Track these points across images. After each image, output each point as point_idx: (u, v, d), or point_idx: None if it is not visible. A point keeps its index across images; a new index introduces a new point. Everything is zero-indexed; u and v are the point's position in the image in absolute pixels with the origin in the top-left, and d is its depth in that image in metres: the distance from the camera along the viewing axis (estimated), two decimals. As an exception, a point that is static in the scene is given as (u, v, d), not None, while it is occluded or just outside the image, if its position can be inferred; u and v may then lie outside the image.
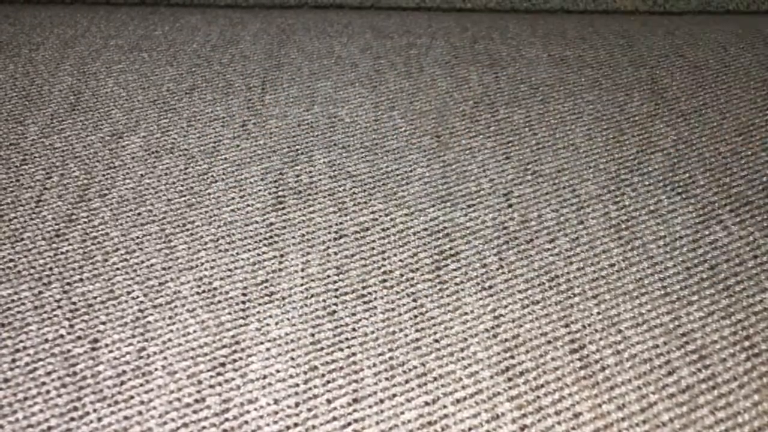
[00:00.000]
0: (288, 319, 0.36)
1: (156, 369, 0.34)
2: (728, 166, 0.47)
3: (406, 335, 0.36)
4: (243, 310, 0.37)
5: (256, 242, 0.41)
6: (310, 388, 0.34)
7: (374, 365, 0.35)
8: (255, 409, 0.33)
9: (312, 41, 0.58)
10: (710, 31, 0.62)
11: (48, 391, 0.33)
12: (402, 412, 0.32)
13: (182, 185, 0.44)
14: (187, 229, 0.41)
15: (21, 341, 0.35)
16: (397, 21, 0.62)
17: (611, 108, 0.52)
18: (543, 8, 0.72)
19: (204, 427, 0.32)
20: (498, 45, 0.59)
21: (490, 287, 0.38)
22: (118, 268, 0.39)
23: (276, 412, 0.33)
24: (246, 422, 0.32)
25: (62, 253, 0.40)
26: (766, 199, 0.45)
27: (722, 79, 0.56)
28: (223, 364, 0.34)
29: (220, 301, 0.37)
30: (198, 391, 0.33)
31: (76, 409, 0.32)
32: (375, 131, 0.49)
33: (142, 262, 0.39)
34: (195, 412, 0.33)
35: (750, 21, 0.65)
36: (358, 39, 0.59)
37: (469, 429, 0.32)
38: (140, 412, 0.32)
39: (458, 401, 0.32)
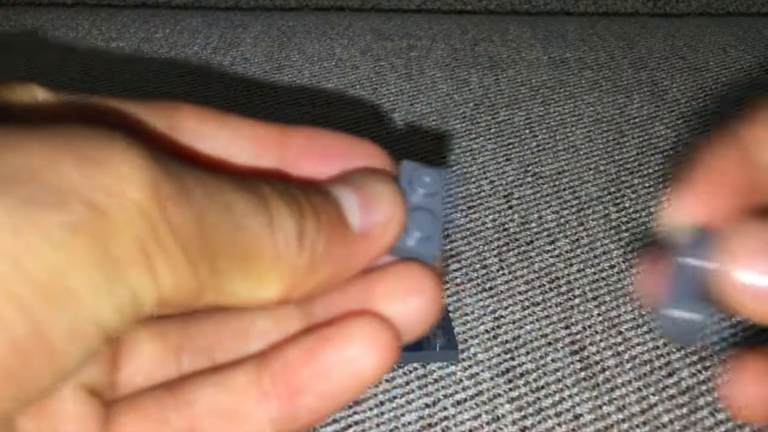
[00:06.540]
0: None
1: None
2: (728, 168, 0.47)
3: (407, 337, 0.36)
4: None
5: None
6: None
7: (375, 367, 0.35)
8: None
9: (313, 44, 0.58)
10: (710, 33, 0.62)
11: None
12: (402, 414, 0.32)
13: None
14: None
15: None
16: (397, 23, 0.62)
17: (611, 110, 0.52)
18: (543, 10, 0.72)
19: None
20: (498, 47, 0.59)
21: (491, 288, 0.38)
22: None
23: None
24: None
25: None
26: (766, 200, 0.45)
27: (722, 81, 0.56)
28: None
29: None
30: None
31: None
32: (375, 134, 0.49)
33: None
34: None
35: (750, 23, 0.65)
36: (359, 41, 0.59)
37: (470, 431, 0.32)
38: None
39: (458, 403, 0.33)
